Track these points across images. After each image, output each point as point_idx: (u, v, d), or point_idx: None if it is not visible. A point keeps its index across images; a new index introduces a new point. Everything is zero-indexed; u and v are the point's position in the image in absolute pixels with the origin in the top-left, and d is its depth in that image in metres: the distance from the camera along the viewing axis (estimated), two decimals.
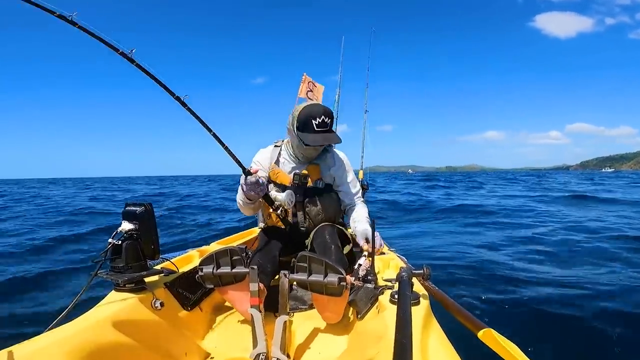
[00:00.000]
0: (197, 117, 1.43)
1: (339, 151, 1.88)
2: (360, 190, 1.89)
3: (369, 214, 1.80)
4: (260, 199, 1.64)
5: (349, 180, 1.84)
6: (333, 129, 1.70)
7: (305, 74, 3.08)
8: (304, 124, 1.61)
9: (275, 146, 1.86)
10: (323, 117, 1.60)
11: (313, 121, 1.59)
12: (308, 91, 3.09)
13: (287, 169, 1.78)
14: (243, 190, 1.56)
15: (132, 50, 1.24)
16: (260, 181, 1.54)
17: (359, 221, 1.73)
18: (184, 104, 1.39)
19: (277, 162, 1.81)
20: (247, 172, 1.51)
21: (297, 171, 1.73)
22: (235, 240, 2.20)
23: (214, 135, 1.47)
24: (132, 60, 1.26)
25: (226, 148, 1.50)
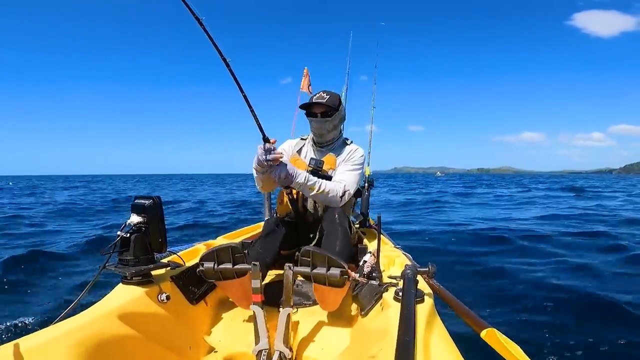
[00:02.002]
0: (236, 81, 1.42)
1: (356, 146, 1.97)
2: (352, 181, 1.80)
3: (335, 192, 1.70)
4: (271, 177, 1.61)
5: (347, 168, 1.85)
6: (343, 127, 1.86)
7: (306, 68, 3.15)
8: (307, 103, 1.89)
9: (302, 139, 2.06)
10: (321, 92, 1.87)
11: (313, 96, 1.89)
12: (309, 85, 3.22)
13: (308, 157, 1.93)
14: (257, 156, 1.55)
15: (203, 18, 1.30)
16: (271, 156, 1.50)
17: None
18: (227, 66, 1.40)
19: (300, 151, 1.98)
20: (266, 139, 1.49)
21: (315, 157, 1.86)
22: (241, 235, 2.22)
23: (245, 98, 1.44)
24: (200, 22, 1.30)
25: (252, 112, 1.46)
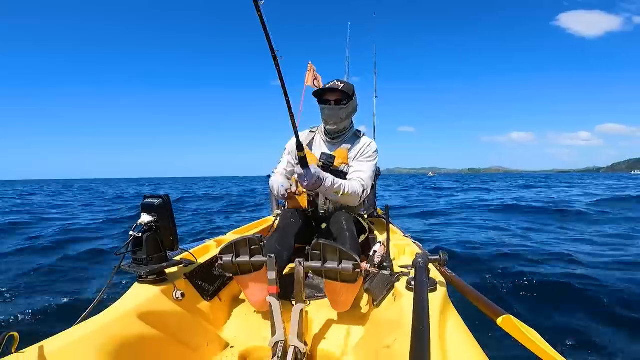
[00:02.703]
0: (281, 79, 1.29)
1: (369, 139, 1.91)
2: (368, 177, 1.78)
3: (357, 193, 1.69)
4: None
5: (362, 165, 1.81)
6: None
7: (310, 62, 3.13)
8: (321, 89, 1.83)
9: (311, 131, 2.00)
10: (335, 81, 1.81)
11: (327, 84, 1.82)
12: (314, 79, 3.20)
13: (319, 150, 1.88)
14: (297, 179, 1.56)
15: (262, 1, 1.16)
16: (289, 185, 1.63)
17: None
18: (276, 63, 1.27)
19: (310, 144, 1.93)
20: (303, 160, 1.46)
21: (325, 152, 1.81)
22: (250, 230, 2.23)
23: (287, 102, 1.32)
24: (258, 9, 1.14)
25: (291, 114, 1.36)
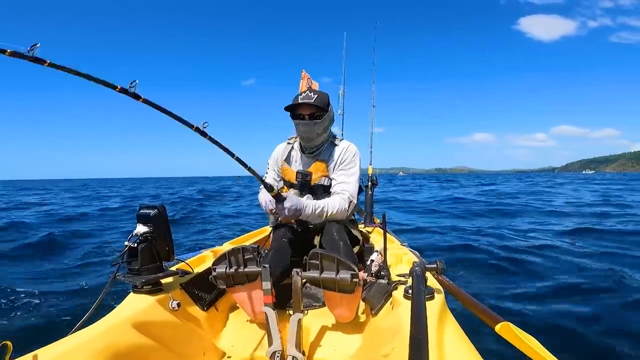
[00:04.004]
0: (219, 144, 1.26)
1: (347, 143, 1.80)
2: (353, 187, 1.72)
3: (342, 208, 1.65)
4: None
5: (344, 174, 1.72)
6: (339, 126, 1.73)
7: (304, 70, 3.13)
8: (292, 102, 1.69)
9: (288, 143, 1.89)
10: (307, 92, 1.68)
11: (299, 96, 1.69)
12: (308, 87, 3.19)
13: (297, 165, 1.81)
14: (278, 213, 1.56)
15: (133, 83, 1.00)
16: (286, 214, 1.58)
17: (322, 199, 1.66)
18: (203, 134, 1.19)
19: (288, 157, 1.84)
20: (277, 196, 1.46)
21: (301, 169, 1.74)
22: (248, 240, 2.22)
23: (238, 160, 1.32)
24: (137, 97, 1.02)
25: (250, 170, 1.37)
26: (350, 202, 1.69)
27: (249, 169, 1.33)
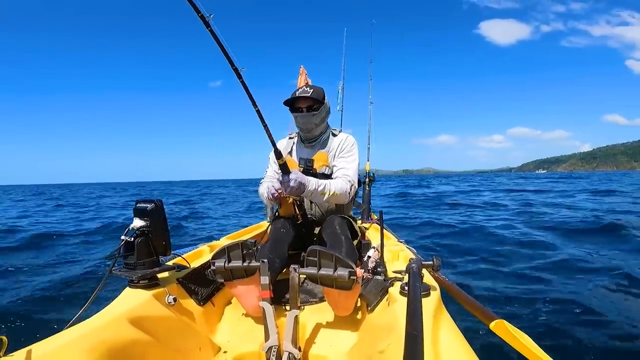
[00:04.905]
0: (249, 93, 1.39)
1: (345, 134, 1.91)
2: (353, 172, 1.81)
3: (344, 190, 1.71)
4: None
5: (344, 160, 1.82)
6: (337, 122, 1.78)
7: (302, 66, 3.12)
8: (291, 96, 1.80)
9: (290, 138, 2.01)
10: (304, 87, 1.80)
11: (296, 91, 1.81)
12: (305, 83, 3.20)
13: (298, 157, 1.88)
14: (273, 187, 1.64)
15: (210, 15, 1.23)
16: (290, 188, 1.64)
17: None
18: (239, 76, 1.36)
19: (291, 151, 1.94)
20: (283, 166, 1.52)
21: (303, 156, 1.82)
22: (244, 235, 2.22)
23: (258, 112, 1.44)
24: (207, 25, 1.23)
25: (266, 128, 1.49)
26: (352, 185, 1.76)
27: (266, 128, 1.46)
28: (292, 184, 1.52)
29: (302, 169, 1.75)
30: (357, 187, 1.80)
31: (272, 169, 1.94)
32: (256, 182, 2.04)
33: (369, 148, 3.42)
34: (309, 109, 1.77)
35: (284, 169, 1.53)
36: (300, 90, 1.80)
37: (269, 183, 1.74)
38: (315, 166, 1.79)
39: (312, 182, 1.59)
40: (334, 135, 1.90)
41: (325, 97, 1.83)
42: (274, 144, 1.50)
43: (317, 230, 1.80)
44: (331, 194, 1.65)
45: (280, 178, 1.57)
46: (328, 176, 1.79)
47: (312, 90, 1.77)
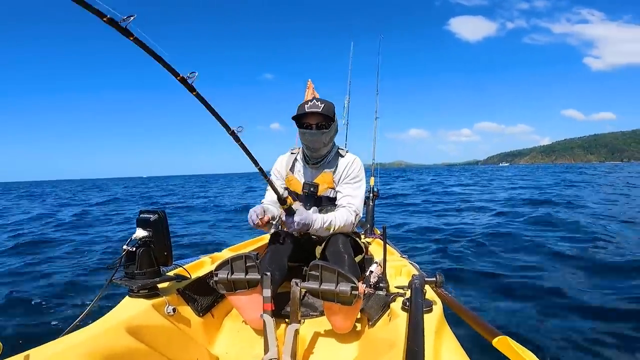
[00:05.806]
0: (247, 152, 1.31)
1: (353, 156, 1.80)
2: (359, 201, 1.72)
3: (349, 222, 1.66)
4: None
5: (350, 187, 1.73)
6: (343, 136, 1.76)
7: (309, 80, 3.15)
8: (298, 111, 1.68)
9: (292, 153, 1.88)
10: (314, 100, 1.67)
11: (305, 105, 1.67)
12: (313, 97, 3.21)
13: (301, 175, 1.80)
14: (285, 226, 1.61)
15: (192, 75, 1.04)
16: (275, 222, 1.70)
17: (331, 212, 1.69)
18: (237, 139, 1.25)
19: (292, 168, 1.83)
20: (288, 210, 1.51)
21: (308, 181, 1.74)
22: (247, 247, 2.21)
23: (260, 170, 1.39)
24: (192, 89, 1.06)
25: (269, 181, 1.49)
26: (357, 216, 1.70)
27: (268, 181, 1.47)
28: (296, 226, 1.50)
29: (305, 193, 1.71)
30: (361, 215, 1.73)
31: (269, 197, 1.83)
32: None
33: (373, 163, 3.42)
34: (318, 126, 1.64)
35: (288, 212, 1.50)
36: (310, 104, 1.65)
37: (252, 209, 1.64)
38: (319, 189, 1.72)
39: (317, 222, 1.55)
40: (341, 156, 1.78)
41: (335, 115, 1.72)
42: (276, 192, 1.47)
43: (318, 249, 1.76)
44: (336, 228, 1.62)
45: (284, 218, 1.54)
46: (332, 199, 1.74)
47: (323, 105, 1.64)
